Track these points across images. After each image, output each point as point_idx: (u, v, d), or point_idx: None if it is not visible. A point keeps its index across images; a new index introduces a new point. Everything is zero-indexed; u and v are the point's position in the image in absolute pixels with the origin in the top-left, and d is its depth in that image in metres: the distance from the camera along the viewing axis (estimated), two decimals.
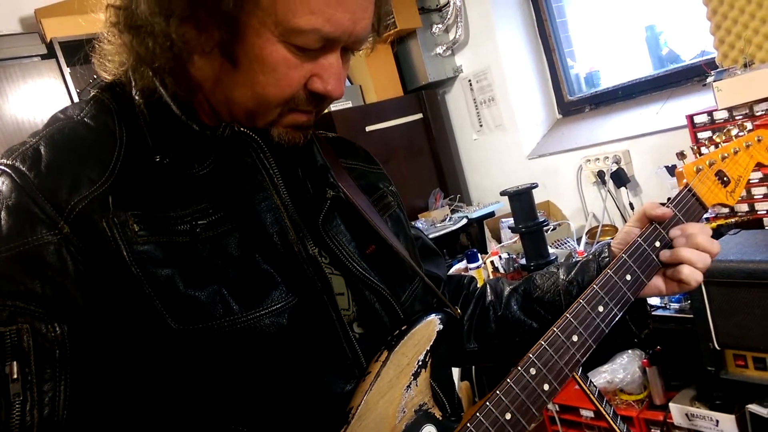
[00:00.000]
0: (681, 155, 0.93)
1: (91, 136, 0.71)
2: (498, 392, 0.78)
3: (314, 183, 0.82)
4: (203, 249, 0.69)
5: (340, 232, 0.81)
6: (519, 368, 0.79)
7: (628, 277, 0.87)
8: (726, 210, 2.13)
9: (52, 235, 0.64)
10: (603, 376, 2.24)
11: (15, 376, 0.61)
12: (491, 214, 3.34)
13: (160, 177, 0.70)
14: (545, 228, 2.56)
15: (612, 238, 0.96)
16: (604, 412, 1.97)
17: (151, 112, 0.72)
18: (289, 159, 0.78)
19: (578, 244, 2.77)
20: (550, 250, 2.53)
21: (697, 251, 0.87)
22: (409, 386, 0.76)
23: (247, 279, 0.70)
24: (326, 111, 3.46)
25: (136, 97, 0.72)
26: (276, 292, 0.71)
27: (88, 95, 0.76)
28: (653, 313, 2.03)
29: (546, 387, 0.80)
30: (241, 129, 0.71)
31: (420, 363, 0.77)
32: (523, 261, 2.51)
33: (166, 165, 0.70)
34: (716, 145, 0.97)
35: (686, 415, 1.96)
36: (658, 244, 0.89)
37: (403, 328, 0.78)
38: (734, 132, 0.97)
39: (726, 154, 0.95)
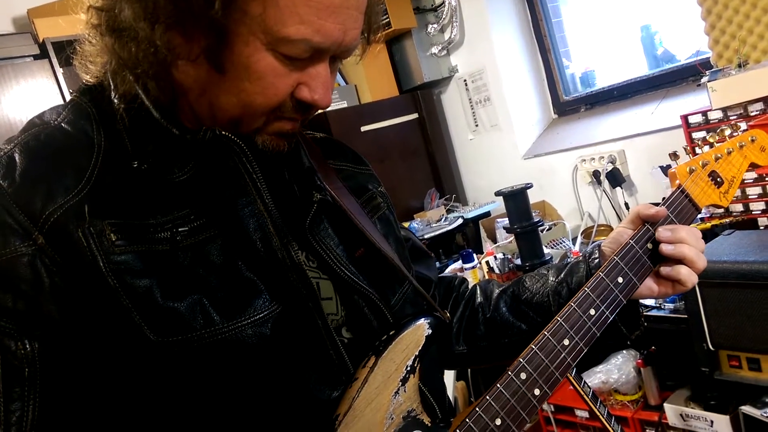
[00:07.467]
0: (674, 156, 0.92)
1: (68, 142, 0.69)
2: (488, 397, 0.77)
3: (301, 186, 0.80)
4: (184, 257, 0.67)
5: (327, 235, 0.79)
6: (509, 372, 0.78)
7: (620, 280, 0.86)
8: (721, 210, 2.12)
9: (26, 247, 0.62)
10: (598, 377, 2.23)
11: None
12: (487, 214, 3.34)
13: (139, 183, 0.68)
14: (540, 228, 2.55)
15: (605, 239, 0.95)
16: (598, 413, 1.96)
17: (130, 116, 0.70)
18: (274, 162, 0.76)
19: (574, 244, 2.76)
20: (546, 250, 2.52)
21: (697, 251, 0.86)
22: (397, 392, 0.75)
23: (229, 287, 0.68)
24: (321, 111, 3.46)
25: (116, 101, 0.70)
26: (259, 300, 0.69)
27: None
28: (648, 313, 2.03)
29: (537, 391, 0.79)
30: (223, 133, 0.70)
31: (408, 368, 0.76)
32: (519, 261, 2.50)
33: (145, 170, 0.68)
34: (710, 146, 0.96)
35: (681, 415, 1.95)
36: (650, 246, 0.88)
37: (391, 333, 0.76)
38: (728, 132, 0.96)
39: (719, 155, 0.94)
